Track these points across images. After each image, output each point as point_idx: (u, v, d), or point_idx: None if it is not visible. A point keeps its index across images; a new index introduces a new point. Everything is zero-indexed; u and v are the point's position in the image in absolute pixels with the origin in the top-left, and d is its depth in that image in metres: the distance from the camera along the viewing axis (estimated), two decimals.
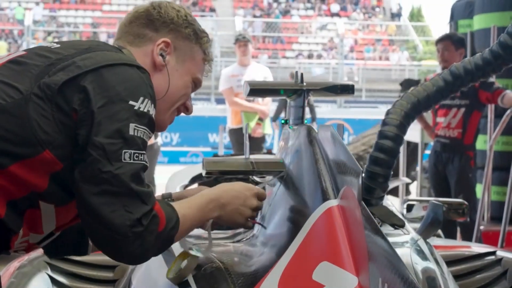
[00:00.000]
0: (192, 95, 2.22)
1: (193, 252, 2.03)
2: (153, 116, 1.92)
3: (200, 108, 18.96)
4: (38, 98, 1.85)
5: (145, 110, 1.88)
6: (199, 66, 2.18)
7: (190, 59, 2.15)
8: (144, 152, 1.87)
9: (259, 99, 8.13)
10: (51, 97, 1.85)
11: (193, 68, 2.15)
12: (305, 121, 2.52)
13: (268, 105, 8.27)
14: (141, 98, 1.88)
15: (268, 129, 8.36)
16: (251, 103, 8.17)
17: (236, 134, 8.29)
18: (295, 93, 2.59)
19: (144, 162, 1.86)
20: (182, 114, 2.20)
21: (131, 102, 1.86)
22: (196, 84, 2.18)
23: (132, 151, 1.83)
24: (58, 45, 2.00)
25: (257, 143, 7.99)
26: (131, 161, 1.83)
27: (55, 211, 1.94)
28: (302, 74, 2.58)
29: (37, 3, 35.88)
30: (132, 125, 1.84)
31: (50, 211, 1.93)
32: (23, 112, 1.84)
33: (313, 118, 13.65)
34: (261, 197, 2.16)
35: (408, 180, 6.84)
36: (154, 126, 1.92)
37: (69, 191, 1.91)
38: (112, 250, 1.88)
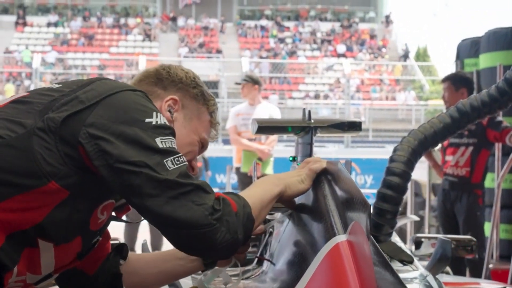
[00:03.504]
0: None
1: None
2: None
3: (208, 149, 18.95)
4: (41, 132, 1.88)
5: (163, 122, 1.94)
6: (206, 127, 2.25)
7: (196, 118, 2.22)
8: (180, 153, 1.92)
9: (262, 139, 8.09)
10: (55, 129, 1.88)
11: (199, 128, 2.23)
12: None
13: (272, 144, 8.22)
14: (154, 113, 1.94)
15: (269, 169, 8.16)
16: (252, 142, 8.12)
17: (239, 173, 8.26)
18: (302, 130, 2.60)
19: (185, 162, 1.92)
20: None
21: (147, 120, 1.91)
22: (203, 144, 2.26)
23: (171, 158, 1.89)
24: (60, 85, 2.04)
25: None
26: (176, 166, 1.88)
27: (54, 250, 1.95)
28: (309, 112, 2.60)
29: (44, 46, 36.16)
30: (158, 139, 1.90)
31: (48, 250, 1.94)
32: (26, 145, 1.87)
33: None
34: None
35: (416, 218, 6.82)
36: (174, 134, 1.97)
37: (70, 225, 1.93)
38: (206, 248, 1.90)
